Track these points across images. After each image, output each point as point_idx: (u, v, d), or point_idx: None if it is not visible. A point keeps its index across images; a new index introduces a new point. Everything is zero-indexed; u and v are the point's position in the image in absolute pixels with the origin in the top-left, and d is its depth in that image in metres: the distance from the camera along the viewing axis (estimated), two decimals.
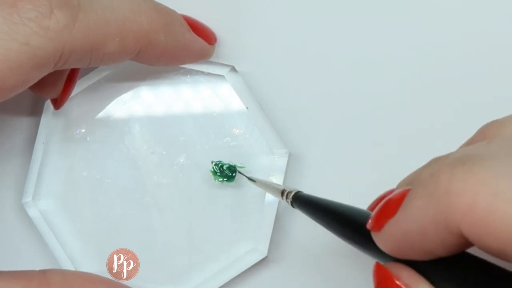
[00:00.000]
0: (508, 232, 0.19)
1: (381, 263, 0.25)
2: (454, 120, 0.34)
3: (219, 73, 0.35)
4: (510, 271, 0.22)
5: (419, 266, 0.23)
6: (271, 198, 0.34)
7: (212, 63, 0.35)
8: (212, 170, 0.34)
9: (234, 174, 0.34)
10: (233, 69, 0.35)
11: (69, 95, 0.34)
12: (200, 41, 0.34)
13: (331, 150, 0.35)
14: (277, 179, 0.34)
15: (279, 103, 0.35)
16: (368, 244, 0.25)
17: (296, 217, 0.35)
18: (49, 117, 0.35)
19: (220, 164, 0.34)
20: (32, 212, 0.35)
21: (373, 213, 0.24)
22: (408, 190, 0.22)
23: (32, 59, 0.27)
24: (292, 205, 0.30)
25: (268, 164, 0.34)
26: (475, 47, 0.34)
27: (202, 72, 0.35)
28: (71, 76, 0.33)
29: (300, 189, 0.30)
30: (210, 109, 0.35)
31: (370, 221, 0.24)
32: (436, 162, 0.22)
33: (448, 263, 0.23)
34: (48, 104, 0.35)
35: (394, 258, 0.24)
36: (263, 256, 0.34)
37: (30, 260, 0.37)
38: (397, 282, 0.23)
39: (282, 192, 0.31)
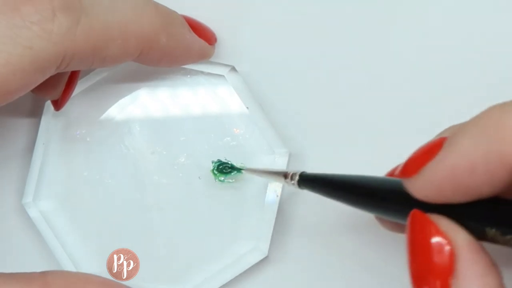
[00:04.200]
0: None
1: (403, 221, 0.24)
2: (455, 120, 0.34)
3: (219, 73, 0.35)
4: None
5: (455, 214, 0.23)
6: (271, 197, 0.34)
7: (212, 63, 0.35)
8: (212, 170, 0.34)
9: (232, 169, 0.34)
10: (233, 69, 0.35)
11: (70, 96, 0.34)
12: (201, 42, 0.34)
13: (331, 150, 0.35)
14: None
15: (279, 103, 0.35)
16: (387, 205, 0.24)
17: (297, 216, 0.35)
18: (49, 118, 0.35)
19: (220, 164, 0.34)
20: (33, 212, 0.35)
21: (407, 159, 0.24)
22: (444, 138, 0.23)
23: (35, 63, 0.27)
24: (299, 186, 0.30)
25: (269, 164, 0.34)
26: (476, 48, 0.34)
27: (202, 72, 0.35)
28: (72, 78, 0.33)
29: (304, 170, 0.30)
30: (210, 109, 0.35)
31: (402, 167, 0.24)
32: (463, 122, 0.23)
33: (486, 207, 0.23)
34: (49, 105, 0.35)
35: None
36: (263, 256, 0.34)
37: (30, 261, 0.36)
38: (435, 236, 0.23)
39: (286, 175, 0.30)
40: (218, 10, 0.36)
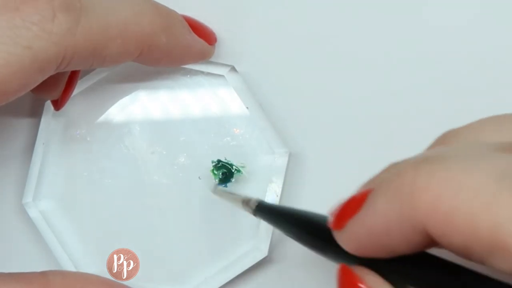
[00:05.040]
0: (471, 227, 0.19)
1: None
2: (456, 121, 0.34)
3: (219, 73, 0.35)
4: (472, 269, 0.22)
5: (382, 267, 0.23)
6: (271, 197, 0.34)
7: (212, 63, 0.35)
8: (212, 170, 0.34)
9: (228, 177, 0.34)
10: (233, 69, 0.35)
11: (70, 96, 0.34)
12: (201, 42, 0.34)
13: (331, 150, 0.35)
14: (277, 179, 0.34)
15: (279, 103, 0.35)
16: (329, 248, 0.25)
17: None
18: (49, 118, 0.35)
19: (220, 164, 0.34)
20: (33, 212, 0.35)
21: (334, 211, 0.24)
22: (370, 190, 0.23)
23: (35, 63, 0.27)
24: (254, 214, 0.30)
25: (268, 164, 0.34)
26: (476, 48, 0.34)
27: (202, 72, 0.35)
28: (72, 77, 0.33)
29: (261, 198, 0.30)
30: (210, 109, 0.35)
31: (331, 219, 0.24)
32: (398, 164, 0.23)
33: (412, 263, 0.23)
34: (48, 105, 0.35)
35: (356, 262, 0.24)
36: (264, 256, 0.34)
37: (30, 261, 0.36)
38: (361, 285, 0.23)
39: (243, 202, 0.30)
40: (218, 10, 0.36)
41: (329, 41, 0.35)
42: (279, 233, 0.35)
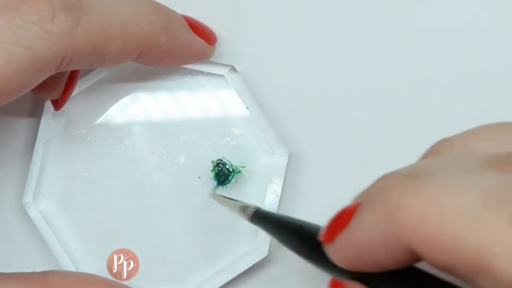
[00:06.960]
0: (456, 247, 0.19)
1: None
2: (455, 121, 0.34)
3: (219, 73, 0.35)
4: (460, 286, 0.22)
5: (374, 281, 0.23)
6: (271, 197, 0.34)
7: (212, 63, 0.35)
8: (212, 169, 0.34)
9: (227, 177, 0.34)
10: (233, 69, 0.35)
11: (70, 95, 0.34)
12: (201, 42, 0.34)
13: (331, 150, 0.35)
14: (277, 179, 0.34)
15: (279, 103, 0.35)
16: (322, 260, 0.25)
17: (296, 216, 0.35)
18: (49, 118, 0.35)
19: (220, 164, 0.34)
20: (33, 212, 0.35)
21: (325, 225, 0.24)
22: (360, 203, 0.22)
23: (35, 63, 0.27)
24: (251, 221, 0.30)
25: (269, 164, 0.34)
26: (476, 49, 0.34)
27: (202, 72, 0.35)
28: (72, 77, 0.33)
29: (259, 205, 0.30)
30: (210, 109, 0.35)
31: (322, 233, 0.24)
32: (387, 177, 0.22)
33: (401, 276, 0.23)
34: (48, 105, 0.35)
35: (348, 276, 0.24)
36: (263, 256, 0.34)
37: (30, 261, 0.37)
38: None
39: (241, 208, 0.30)
40: (218, 10, 0.36)
41: (329, 41, 0.35)
42: None
